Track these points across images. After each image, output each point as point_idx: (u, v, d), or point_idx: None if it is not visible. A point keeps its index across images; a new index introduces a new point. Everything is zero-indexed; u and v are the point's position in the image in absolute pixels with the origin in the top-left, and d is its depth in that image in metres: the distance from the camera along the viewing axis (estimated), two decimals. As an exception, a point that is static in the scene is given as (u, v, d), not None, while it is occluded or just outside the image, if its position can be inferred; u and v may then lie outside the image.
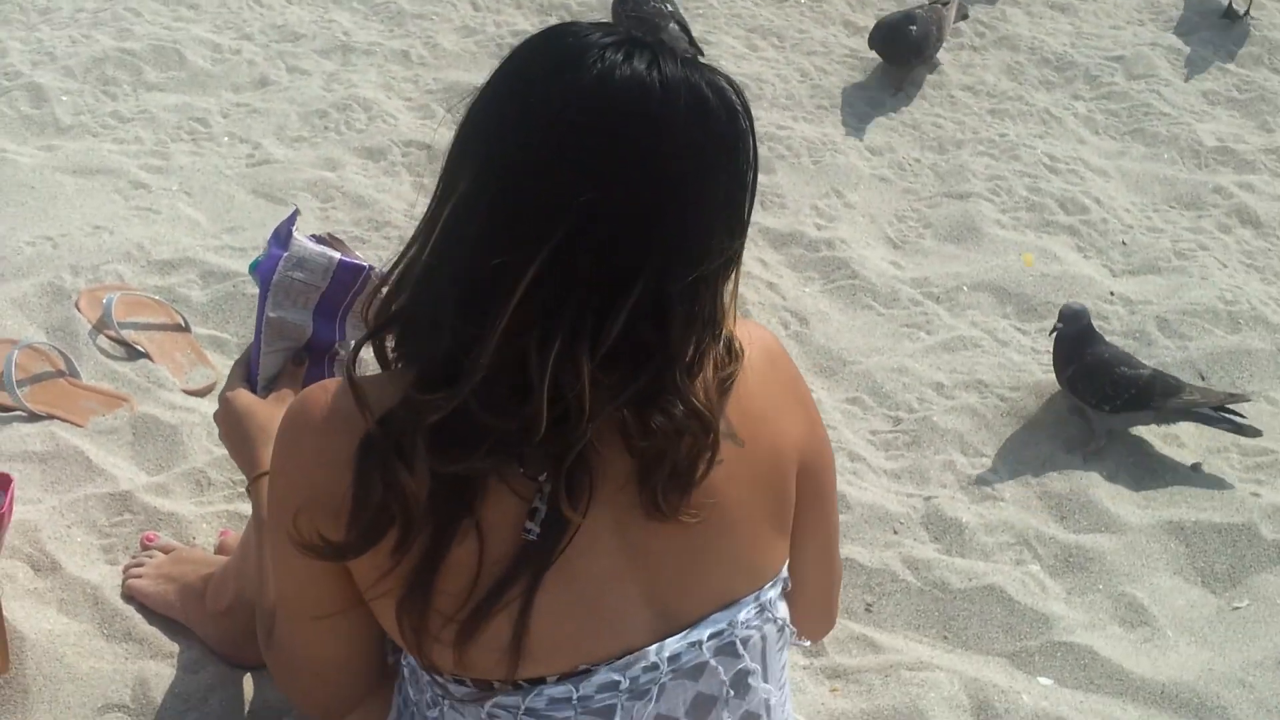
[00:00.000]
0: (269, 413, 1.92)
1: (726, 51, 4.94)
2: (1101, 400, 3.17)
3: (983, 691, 2.48)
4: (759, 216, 4.07)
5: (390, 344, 1.44)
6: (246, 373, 2.04)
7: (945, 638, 2.67)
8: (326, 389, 1.43)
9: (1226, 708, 2.53)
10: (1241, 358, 3.57)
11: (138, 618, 2.39)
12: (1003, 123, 4.71)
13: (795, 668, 2.53)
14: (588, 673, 1.42)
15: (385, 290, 1.44)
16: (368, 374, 1.45)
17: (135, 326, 3.16)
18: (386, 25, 4.96)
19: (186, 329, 3.22)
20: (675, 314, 1.33)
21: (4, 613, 2.22)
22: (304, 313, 1.99)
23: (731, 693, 1.50)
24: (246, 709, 2.26)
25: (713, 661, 1.47)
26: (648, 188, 1.29)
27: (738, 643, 1.49)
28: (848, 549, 2.81)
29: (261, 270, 1.98)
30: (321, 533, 1.37)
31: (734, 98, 1.35)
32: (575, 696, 1.42)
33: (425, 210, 1.41)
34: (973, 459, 3.16)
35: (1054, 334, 3.29)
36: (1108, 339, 3.36)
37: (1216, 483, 3.14)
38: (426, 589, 1.36)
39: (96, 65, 4.44)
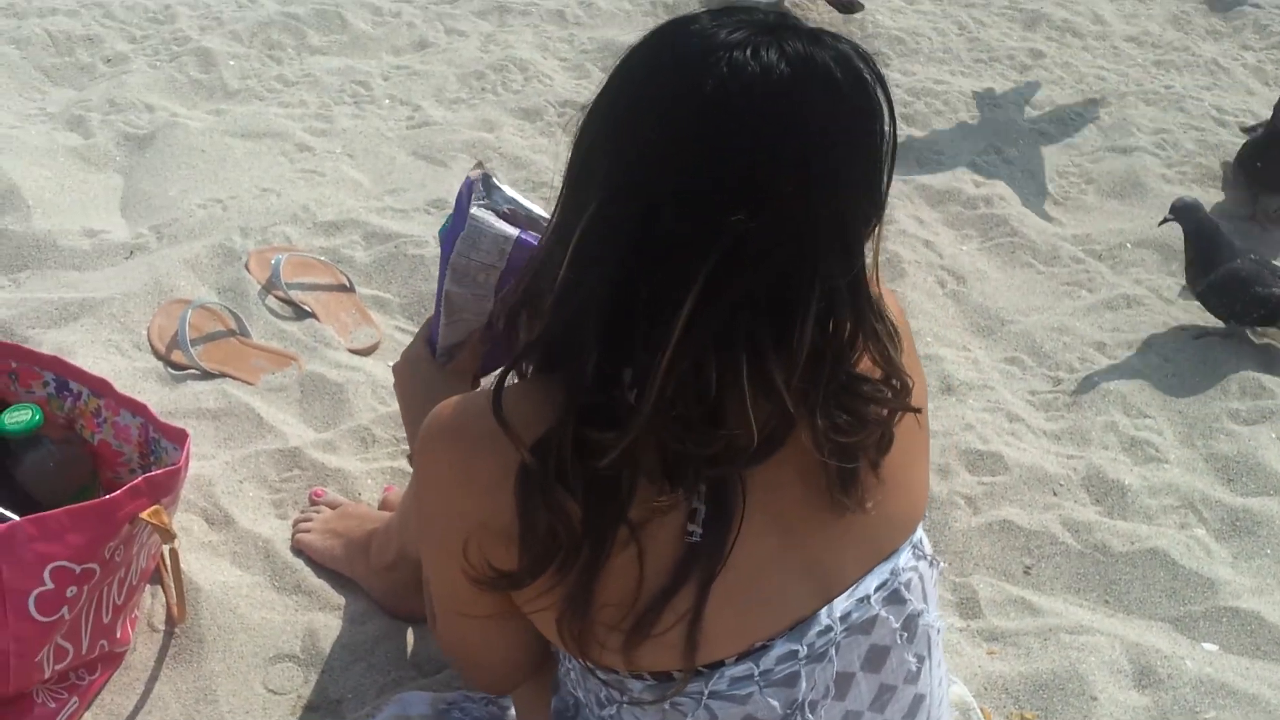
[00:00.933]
0: (446, 386, 1.90)
1: (882, 5, 4.87)
2: (1232, 316, 3.27)
3: (1145, 656, 2.44)
4: (915, 173, 4.03)
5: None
6: (429, 336, 2.03)
7: (1106, 601, 2.63)
8: (469, 407, 1.40)
9: (1401, 678, 2.46)
10: None
11: (307, 571, 2.47)
12: (1168, 74, 4.58)
13: (952, 630, 2.52)
14: (764, 648, 1.43)
15: (517, 298, 1.45)
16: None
17: (302, 287, 3.25)
18: (542, -15, 4.99)
19: (351, 289, 3.29)
20: (845, 311, 1.32)
21: (181, 565, 2.31)
22: (484, 290, 1.94)
23: (904, 635, 1.51)
24: (410, 659, 2.33)
25: (883, 613, 1.48)
26: (797, 192, 1.23)
27: (901, 589, 1.50)
28: (1006, 510, 2.78)
29: (444, 240, 1.95)
30: (491, 563, 1.36)
31: (864, 69, 1.28)
32: (756, 672, 1.43)
33: (556, 213, 1.38)
34: (1136, 420, 3.10)
35: (1162, 225, 3.46)
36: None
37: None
38: (587, 602, 1.36)
39: (262, 29, 4.54)
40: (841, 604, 1.46)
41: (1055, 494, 2.85)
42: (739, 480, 1.35)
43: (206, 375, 2.95)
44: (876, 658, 1.50)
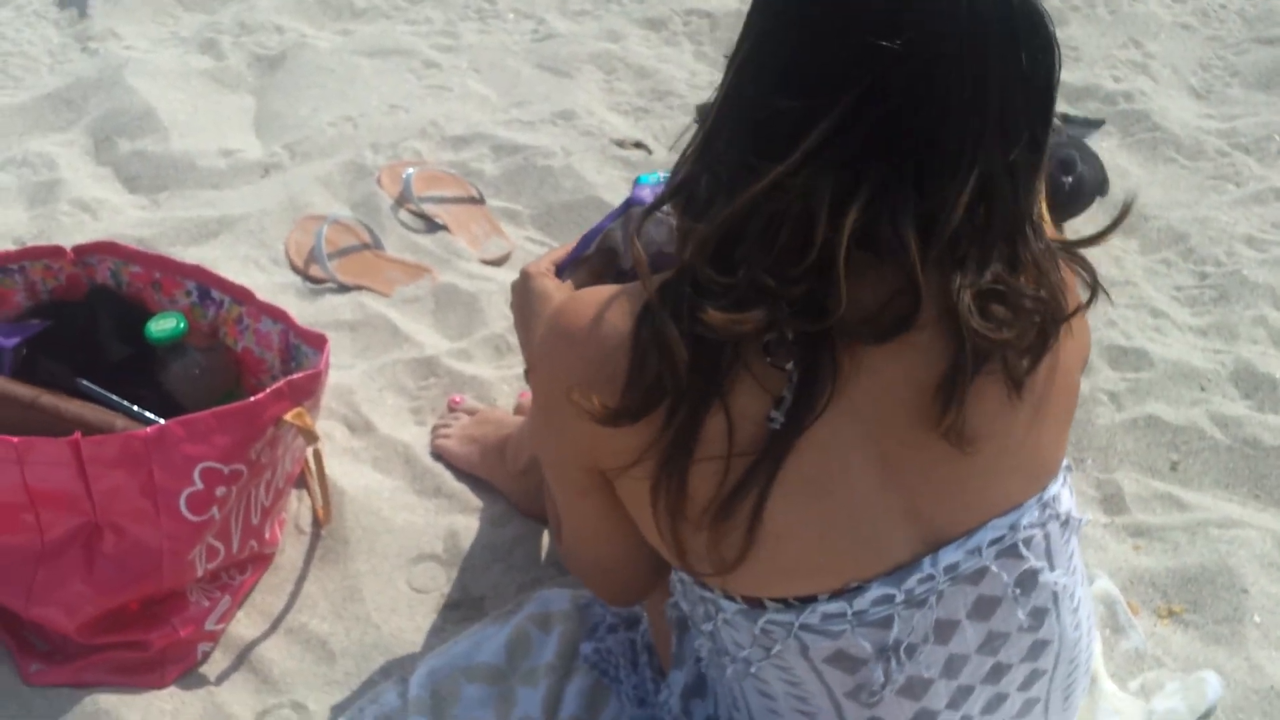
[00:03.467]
0: (559, 292, 1.93)
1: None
2: None
3: (1298, 549, 2.38)
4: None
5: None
6: (558, 259, 2.02)
7: (1256, 496, 2.56)
8: (592, 292, 1.43)
9: None
10: None
11: (446, 475, 2.50)
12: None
13: (1096, 525, 2.48)
14: (860, 589, 1.41)
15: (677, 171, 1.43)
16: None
17: (433, 200, 3.27)
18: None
19: (481, 201, 3.31)
20: (1002, 208, 1.30)
21: (325, 469, 2.35)
22: (624, 243, 1.96)
23: (1018, 590, 1.46)
24: (545, 560, 2.35)
25: (994, 567, 1.44)
26: (959, 53, 1.24)
27: (1020, 544, 1.45)
28: (1151, 406, 2.72)
29: (634, 193, 1.95)
30: (599, 399, 1.35)
31: None
32: (850, 611, 1.41)
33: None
34: (1286, 314, 3.00)
35: None
36: None
37: None
38: (684, 464, 1.34)
39: (387, -50, 4.55)
40: (949, 554, 1.41)
41: (1203, 389, 2.78)
42: (832, 369, 1.32)
43: (343, 288, 2.98)
44: (985, 607, 1.46)
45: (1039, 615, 1.49)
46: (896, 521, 1.40)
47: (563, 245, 2.07)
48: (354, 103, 3.72)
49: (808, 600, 1.42)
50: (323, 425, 2.56)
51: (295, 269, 3.03)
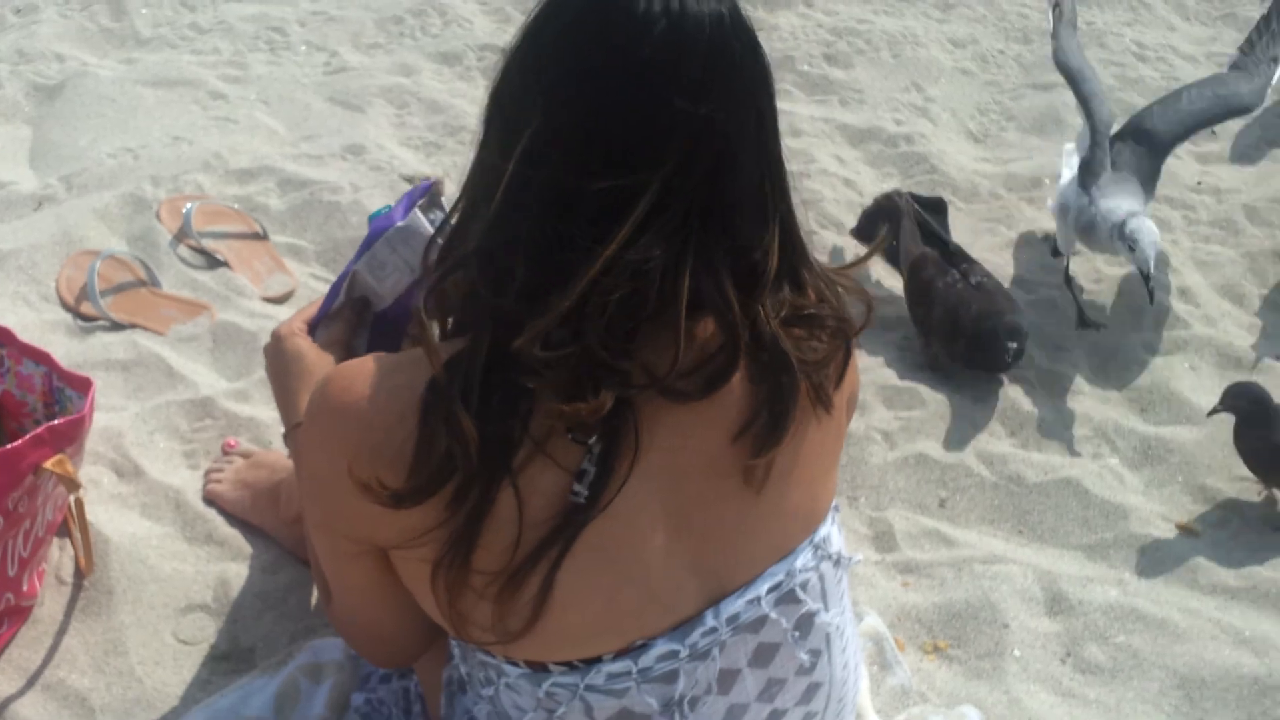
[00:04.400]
0: (318, 358, 1.88)
1: (805, -55, 4.84)
2: None
3: (1056, 584, 2.47)
4: (837, 113, 4.02)
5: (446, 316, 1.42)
6: (310, 316, 1.97)
7: (1020, 532, 2.65)
8: (363, 363, 1.39)
9: (1308, 600, 2.50)
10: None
11: (219, 521, 2.45)
12: (1089, 10, 4.59)
13: (868, 563, 2.53)
14: (645, 646, 1.41)
15: (444, 240, 1.42)
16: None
17: (214, 235, 3.20)
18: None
19: (264, 237, 3.25)
20: (795, 229, 1.37)
21: (88, 516, 2.28)
22: (392, 286, 1.92)
23: (797, 634, 1.49)
24: (317, 609, 2.31)
25: (773, 614, 1.46)
26: (739, 97, 1.29)
27: (797, 589, 1.47)
28: (921, 444, 2.79)
29: (373, 226, 1.92)
30: (380, 479, 1.32)
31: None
32: (635, 669, 1.41)
33: (477, 159, 1.38)
34: (1050, 353, 3.11)
35: (1211, 415, 2.72)
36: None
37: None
38: (471, 542, 1.32)
39: (175, -23, 4.46)
40: (730, 604, 1.43)
41: (971, 426, 2.86)
42: (634, 436, 1.32)
43: (116, 326, 2.90)
44: (764, 654, 1.48)
45: (815, 656, 1.52)
46: (683, 577, 1.41)
47: (311, 302, 2.02)
48: (135, 134, 3.63)
49: (593, 662, 1.42)
50: (89, 471, 2.48)
51: (66, 306, 2.94)
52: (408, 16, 4.34)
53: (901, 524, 2.61)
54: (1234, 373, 3.06)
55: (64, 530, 2.35)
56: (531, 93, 1.31)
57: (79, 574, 2.31)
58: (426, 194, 1.93)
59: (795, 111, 3.98)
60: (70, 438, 2.12)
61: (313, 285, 3.13)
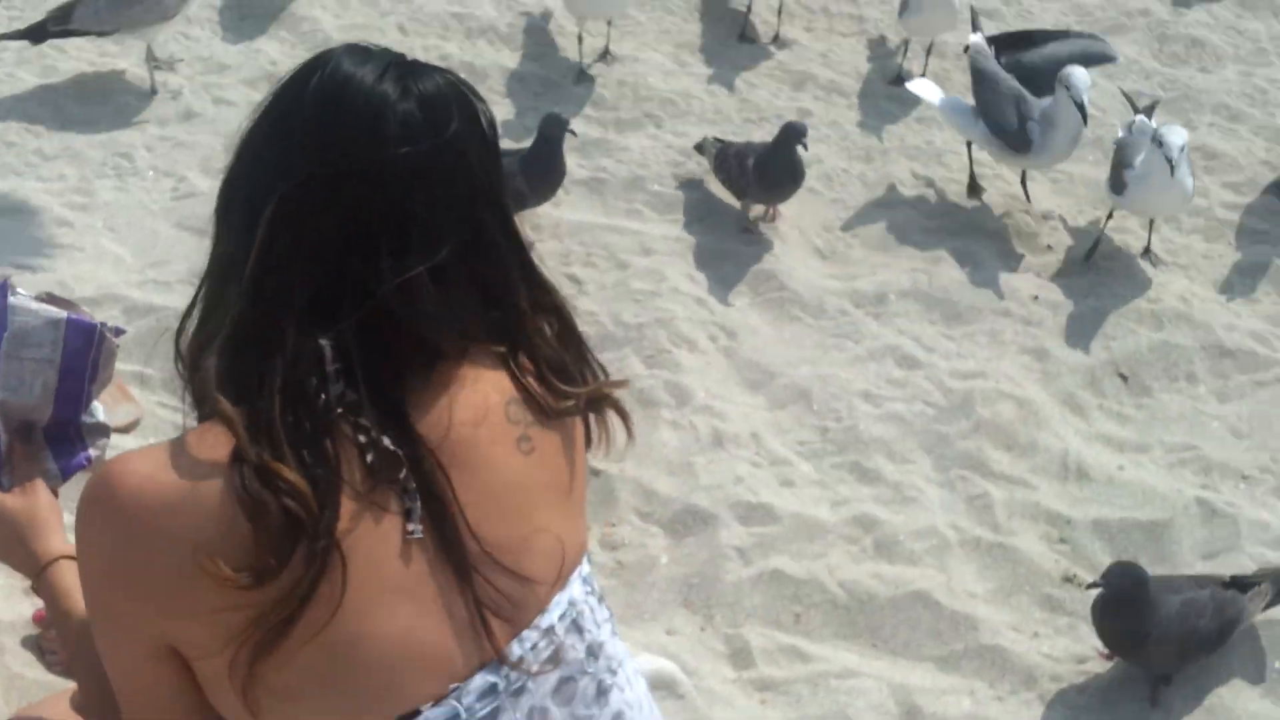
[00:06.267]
0: (25, 504, 1.77)
1: (655, 68, 4.95)
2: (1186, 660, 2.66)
3: (910, 696, 2.50)
4: (688, 231, 4.08)
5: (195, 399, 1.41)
6: None
7: (874, 645, 2.68)
8: (135, 459, 1.36)
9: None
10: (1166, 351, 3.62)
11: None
12: (929, 129, 4.74)
13: (725, 681, 2.54)
14: (460, 688, 1.41)
15: (199, 311, 1.43)
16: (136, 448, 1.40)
17: (56, 366, 3.13)
18: (312, 53, 4.94)
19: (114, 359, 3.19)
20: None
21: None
22: (42, 391, 1.82)
23: (591, 661, 1.51)
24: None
25: (567, 640, 1.48)
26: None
27: (580, 617, 1.51)
28: (776, 560, 2.82)
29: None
30: (220, 563, 1.29)
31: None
32: (461, 711, 1.41)
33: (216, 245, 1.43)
34: (900, 465, 3.17)
35: (1089, 589, 2.66)
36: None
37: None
38: (305, 601, 1.31)
39: (19, 104, 4.41)
40: (530, 636, 1.45)
41: (824, 541, 2.90)
42: (439, 469, 1.37)
43: (-48, 461, 2.82)
44: (566, 689, 1.49)
45: (605, 691, 1.53)
46: (476, 617, 1.41)
47: None
48: (-25, 262, 3.57)
49: (412, 717, 1.39)
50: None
51: (-102, 443, 2.85)
52: (258, 141, 4.33)
53: (758, 640, 2.64)
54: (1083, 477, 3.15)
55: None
56: (275, 167, 1.39)
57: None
58: (2, 297, 1.83)
59: (647, 230, 4.04)
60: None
61: (159, 413, 3.08)
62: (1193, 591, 2.64)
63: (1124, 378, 3.53)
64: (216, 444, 1.32)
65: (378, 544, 1.35)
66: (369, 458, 1.33)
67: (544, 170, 3.82)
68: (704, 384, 3.39)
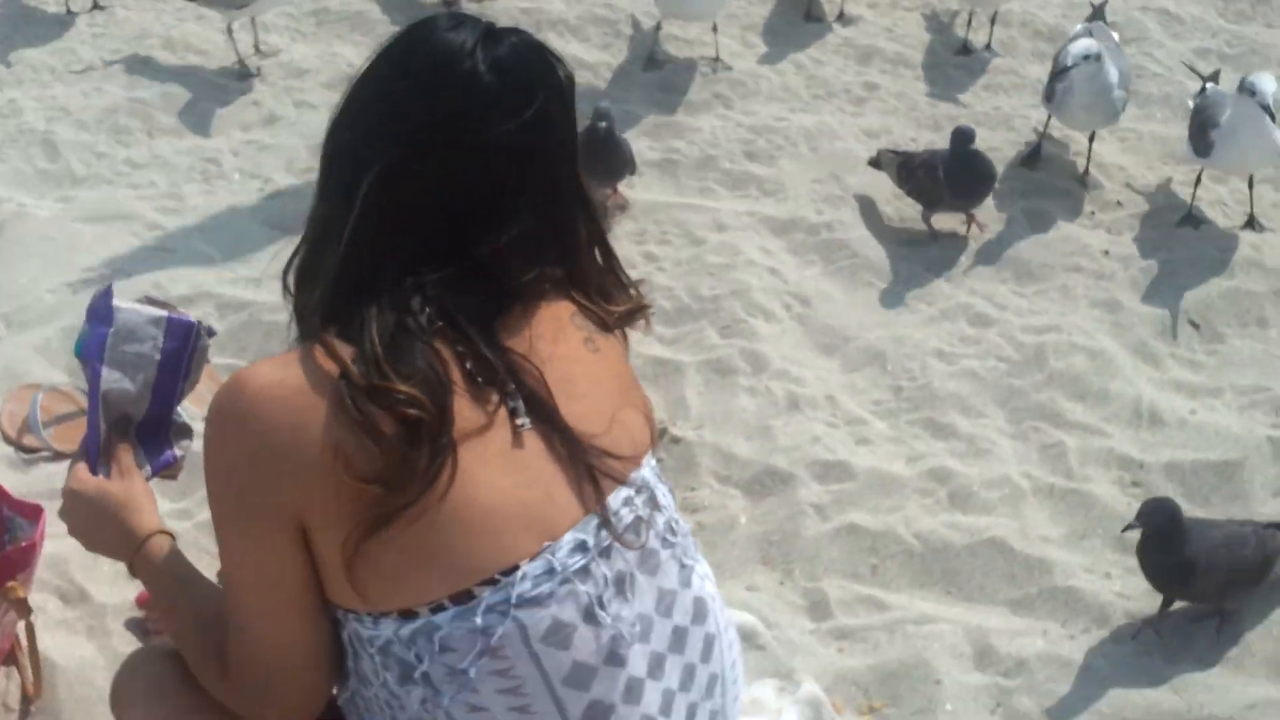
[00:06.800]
0: (123, 487, 1.84)
1: (722, 50, 5.01)
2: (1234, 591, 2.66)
3: (985, 639, 2.55)
4: (760, 205, 4.15)
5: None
6: (85, 460, 1.88)
7: (949, 592, 2.73)
8: (263, 365, 1.53)
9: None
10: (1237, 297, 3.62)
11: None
12: (996, 96, 4.76)
13: (804, 632, 2.61)
14: (552, 545, 1.52)
15: (298, 263, 1.60)
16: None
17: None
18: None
19: (205, 360, 3.32)
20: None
21: (37, 643, 2.32)
22: (142, 386, 1.89)
23: (668, 536, 1.62)
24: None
25: (644, 514, 1.59)
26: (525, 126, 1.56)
27: (655, 495, 1.63)
28: (853, 515, 2.89)
29: (86, 350, 1.87)
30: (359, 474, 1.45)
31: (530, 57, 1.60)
32: (555, 564, 1.51)
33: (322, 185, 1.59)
34: (974, 420, 3.21)
35: (1126, 531, 2.65)
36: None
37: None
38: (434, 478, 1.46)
39: (108, 115, 4.57)
40: (613, 500, 1.56)
41: (900, 495, 2.95)
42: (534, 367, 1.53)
43: (59, 456, 2.95)
44: (649, 560, 1.59)
45: (687, 572, 1.62)
46: (572, 474, 1.54)
47: (75, 457, 1.93)
48: (74, 269, 3.72)
49: (511, 572, 1.49)
50: (34, 598, 2.52)
51: (8, 439, 2.98)
52: (339, 141, 4.45)
53: (836, 592, 2.70)
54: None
55: (9, 659, 2.38)
56: (374, 140, 1.53)
57: (26, 700, 2.34)
58: (108, 296, 1.90)
59: (720, 207, 4.11)
60: (21, 564, 2.18)
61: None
62: (1234, 527, 2.67)
63: (1195, 325, 3.55)
64: (329, 362, 1.48)
65: (488, 433, 1.50)
66: (468, 364, 1.49)
67: (593, 160, 3.92)
68: (779, 350, 3.45)
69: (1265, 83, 3.60)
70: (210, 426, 1.52)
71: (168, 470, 1.99)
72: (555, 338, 1.58)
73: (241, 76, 4.83)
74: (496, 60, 1.53)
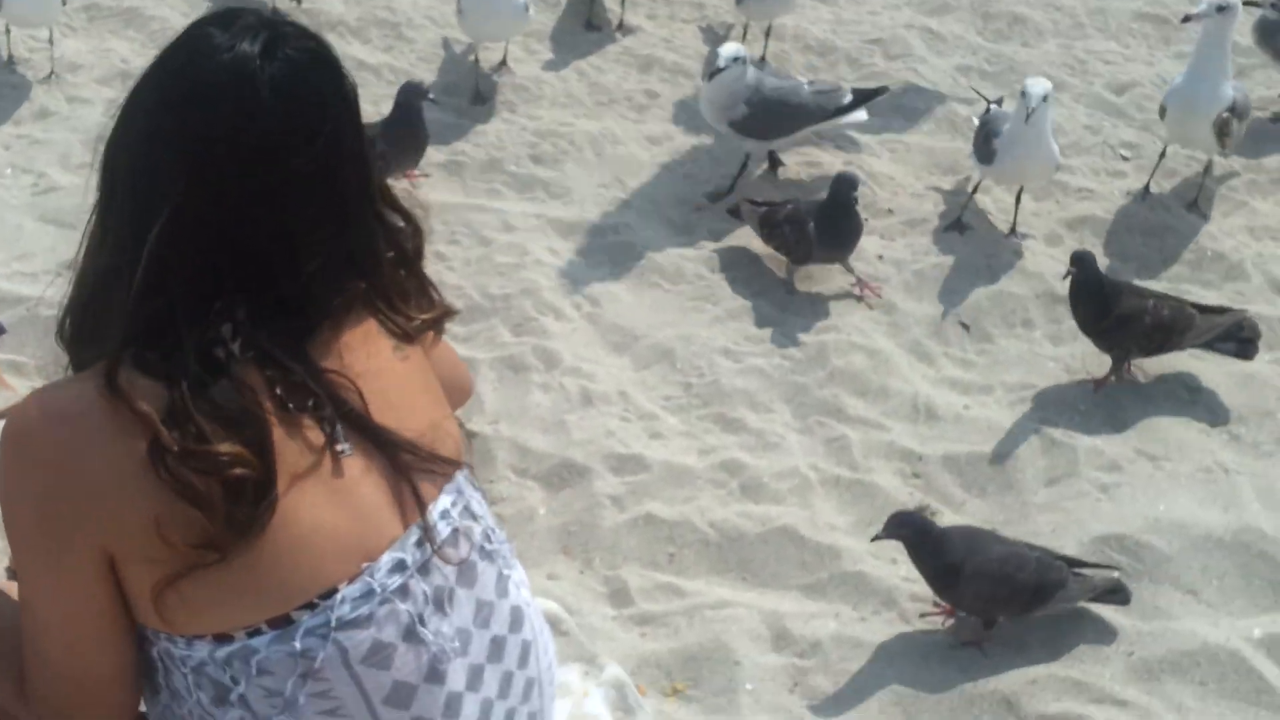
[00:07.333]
0: None
1: (508, 55, 5.06)
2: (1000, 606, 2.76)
3: (780, 621, 2.66)
4: (546, 208, 4.22)
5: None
6: None
7: (744, 578, 2.84)
8: (60, 385, 1.46)
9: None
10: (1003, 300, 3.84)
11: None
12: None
13: (606, 619, 2.68)
14: (370, 566, 1.51)
15: (73, 293, 1.52)
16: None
17: (-71, 356, 3.16)
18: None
19: (-12, 358, 3.23)
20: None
21: None
22: None
23: (484, 546, 1.63)
24: None
25: (462, 524, 1.59)
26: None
27: (470, 504, 1.62)
28: (649, 505, 2.97)
29: None
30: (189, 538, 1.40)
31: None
32: (375, 585, 1.50)
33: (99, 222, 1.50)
34: (761, 414, 3.34)
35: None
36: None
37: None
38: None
39: None
40: (431, 514, 1.56)
41: (693, 486, 3.05)
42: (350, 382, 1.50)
43: None
44: (468, 574, 1.60)
45: (504, 582, 1.64)
46: (386, 493, 1.53)
47: None
48: None
49: (330, 595, 1.48)
50: None
51: None
52: (115, 136, 4.35)
53: (636, 580, 2.78)
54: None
55: None
56: (158, 177, 1.44)
57: None
58: None
59: (507, 209, 4.17)
60: None
61: (37, 399, 3.12)
62: (1022, 549, 2.77)
63: (966, 326, 3.75)
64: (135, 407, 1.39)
65: (308, 467, 1.46)
66: (278, 390, 1.43)
67: (405, 135, 4.00)
68: (571, 348, 3.53)
69: (1034, 86, 3.85)
70: (8, 448, 1.44)
71: None
72: (367, 351, 1.55)
73: (11, 71, 4.67)
74: (280, 83, 1.45)
